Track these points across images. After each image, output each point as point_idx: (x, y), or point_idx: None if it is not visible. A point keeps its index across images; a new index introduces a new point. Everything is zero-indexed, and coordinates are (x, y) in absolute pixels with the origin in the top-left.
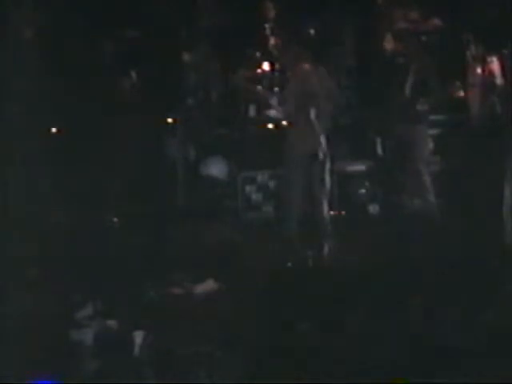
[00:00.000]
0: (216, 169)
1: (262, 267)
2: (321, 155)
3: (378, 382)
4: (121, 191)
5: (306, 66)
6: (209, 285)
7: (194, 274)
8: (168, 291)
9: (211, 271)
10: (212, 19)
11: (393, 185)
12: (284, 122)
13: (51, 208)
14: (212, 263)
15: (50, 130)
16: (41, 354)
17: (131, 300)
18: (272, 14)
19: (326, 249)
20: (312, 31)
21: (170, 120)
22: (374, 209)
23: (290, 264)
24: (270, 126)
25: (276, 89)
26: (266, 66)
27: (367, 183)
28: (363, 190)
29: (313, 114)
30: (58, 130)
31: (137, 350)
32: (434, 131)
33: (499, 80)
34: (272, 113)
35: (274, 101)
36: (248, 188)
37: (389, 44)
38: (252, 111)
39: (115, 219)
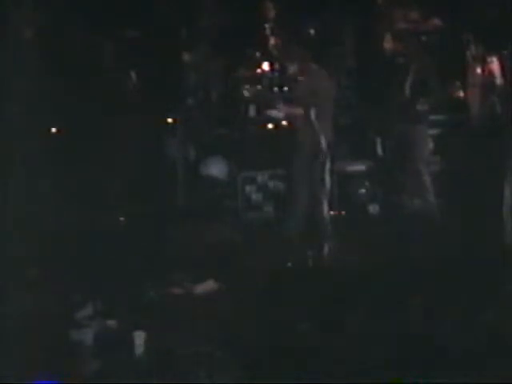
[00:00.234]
0: (216, 169)
1: (261, 267)
2: (321, 155)
3: (378, 381)
4: (121, 191)
5: (307, 66)
6: (209, 285)
7: (193, 274)
8: (168, 291)
9: (211, 271)
10: (212, 19)
11: (393, 185)
12: (284, 122)
13: (51, 208)
14: (212, 263)
15: (49, 130)
16: (41, 354)
17: (131, 300)
18: (272, 14)
19: (325, 249)
20: (312, 31)
21: (170, 120)
22: (373, 209)
23: (289, 264)
24: (270, 125)
25: (276, 89)
26: (265, 65)
27: (367, 183)
28: (363, 190)
29: (313, 114)
30: (58, 130)
31: (137, 350)
32: (433, 131)
33: (499, 80)
34: (272, 113)
35: (274, 101)
36: (248, 188)
37: (389, 44)
38: (252, 111)
39: (115, 219)
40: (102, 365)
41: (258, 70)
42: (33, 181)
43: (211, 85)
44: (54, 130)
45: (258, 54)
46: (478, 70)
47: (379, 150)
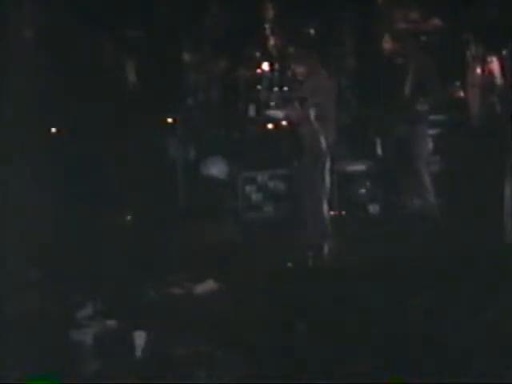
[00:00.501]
0: (216, 169)
1: (261, 267)
2: (321, 155)
3: (378, 381)
4: (121, 191)
5: (307, 67)
6: (209, 285)
7: (193, 274)
8: (168, 291)
9: (211, 271)
10: (212, 19)
11: (393, 185)
12: (284, 122)
13: (50, 208)
14: (212, 263)
15: (49, 130)
16: (41, 354)
17: (131, 300)
18: (272, 14)
19: (326, 249)
20: (312, 31)
21: (170, 120)
22: (373, 209)
23: (289, 264)
24: (270, 126)
25: (276, 89)
26: (265, 66)
27: (367, 183)
28: (363, 190)
29: (313, 114)
30: (58, 130)
31: (137, 350)
32: (434, 131)
33: (499, 80)
34: (272, 113)
35: (274, 101)
36: (248, 188)
37: (389, 44)
38: (252, 111)
39: (115, 219)
40: (102, 365)
41: (258, 70)
42: (33, 181)
43: (211, 85)
44: (53, 129)
45: (257, 54)
46: (478, 70)
47: (379, 150)
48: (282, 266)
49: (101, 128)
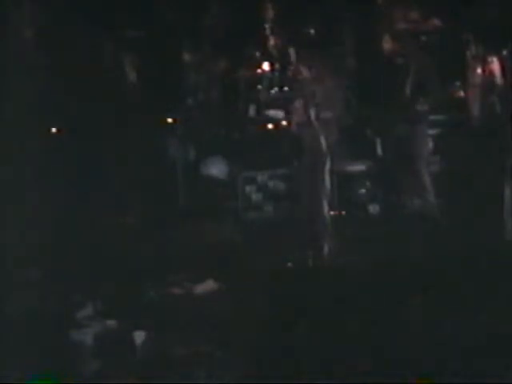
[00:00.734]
0: (216, 169)
1: (261, 267)
2: (321, 155)
3: (377, 381)
4: (121, 191)
5: (308, 67)
6: (209, 285)
7: (193, 274)
8: (168, 291)
9: (211, 271)
10: (212, 19)
11: (393, 185)
12: (284, 122)
13: (50, 208)
14: (212, 263)
15: (49, 130)
16: (41, 354)
17: (131, 300)
18: (272, 14)
19: (325, 249)
20: (312, 31)
21: (170, 120)
22: (373, 209)
23: (289, 264)
24: (270, 126)
25: (276, 89)
26: (265, 65)
27: (367, 183)
28: (363, 190)
29: (313, 114)
30: (58, 130)
31: (137, 349)
32: (434, 131)
33: (499, 80)
34: (272, 113)
35: (274, 101)
36: (248, 188)
37: (389, 44)
38: (252, 111)
39: (115, 219)
40: (102, 365)
41: (258, 70)
42: (32, 180)
43: (211, 85)
44: (53, 129)
45: (257, 54)
46: (478, 70)
47: (379, 150)
48: (282, 266)
49: (101, 128)
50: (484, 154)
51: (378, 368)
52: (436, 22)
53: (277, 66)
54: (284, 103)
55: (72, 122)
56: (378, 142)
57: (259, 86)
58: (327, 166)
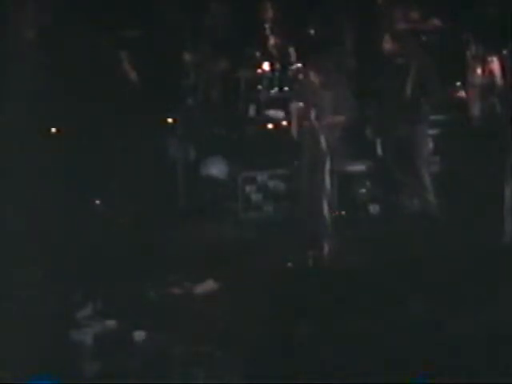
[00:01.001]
0: (216, 169)
1: (262, 267)
2: (321, 155)
3: (378, 382)
4: (121, 191)
5: (308, 67)
6: (209, 285)
7: (193, 274)
8: (168, 291)
9: (211, 271)
10: (212, 19)
11: (393, 185)
12: (284, 122)
13: (50, 207)
14: (212, 263)
15: (49, 130)
16: (41, 354)
17: (131, 300)
18: (272, 14)
19: (326, 249)
20: (312, 31)
21: (170, 120)
22: (373, 209)
23: (289, 264)
24: (270, 126)
25: (276, 89)
26: (265, 65)
27: (367, 183)
28: (363, 190)
29: (313, 114)
30: (58, 130)
31: (137, 350)
32: (433, 131)
33: (499, 80)
34: (272, 113)
35: (275, 101)
36: (248, 188)
37: (389, 44)
38: (252, 111)
39: (115, 219)
40: (102, 365)
41: (258, 70)
42: (32, 180)
43: (211, 85)
44: (53, 130)
45: (257, 54)
46: (478, 70)
47: (379, 150)
48: (281, 266)
49: (101, 128)
50: (484, 154)
51: (378, 368)
52: (436, 21)
53: (277, 66)
54: (284, 103)
55: (72, 121)
56: (378, 141)
57: (259, 86)
58: (327, 166)
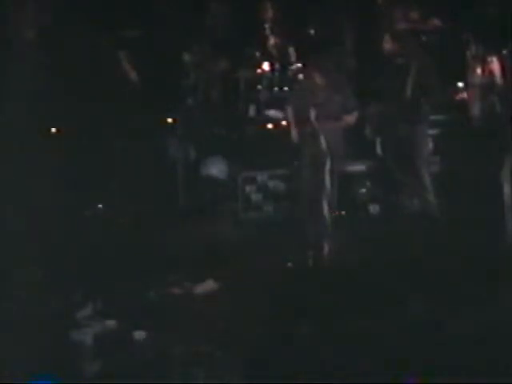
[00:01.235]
0: (216, 169)
1: (261, 267)
2: (321, 155)
3: (378, 381)
4: (121, 191)
5: (308, 67)
6: (209, 285)
7: (193, 274)
8: (168, 291)
9: (211, 271)
10: (212, 19)
11: (393, 185)
12: (284, 122)
13: (50, 208)
14: (212, 263)
15: (49, 130)
16: (41, 354)
17: (131, 300)
18: (272, 14)
19: (326, 249)
20: (312, 31)
21: (170, 120)
22: (374, 209)
23: (289, 264)
24: (270, 126)
25: (276, 89)
26: (265, 65)
27: (367, 183)
28: (363, 190)
29: (313, 114)
30: (58, 130)
31: (137, 350)
32: (434, 131)
33: (499, 80)
34: (272, 113)
35: (274, 101)
36: (248, 188)
37: (389, 44)
38: (252, 111)
39: (115, 219)
40: (102, 365)
41: (258, 70)
42: (32, 180)
43: (211, 85)
44: (53, 130)
45: (257, 54)
46: (478, 70)
47: (379, 150)
48: (282, 266)
49: (101, 128)
50: (484, 154)
51: (378, 368)
52: (436, 21)
53: (277, 66)
54: (284, 103)
55: (72, 121)
56: (378, 141)
57: (259, 86)
58: (327, 166)
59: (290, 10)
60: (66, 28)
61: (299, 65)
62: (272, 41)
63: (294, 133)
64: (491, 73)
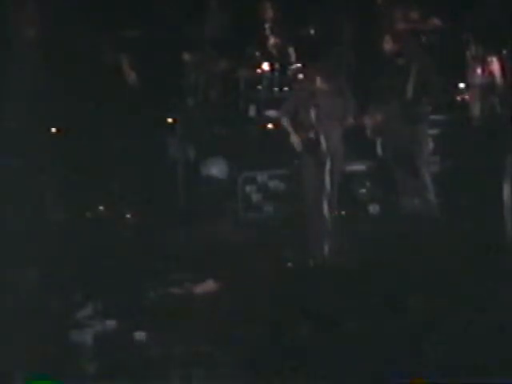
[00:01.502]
0: (216, 169)
1: (262, 267)
2: (321, 155)
3: (378, 382)
4: (121, 191)
5: (308, 66)
6: (209, 285)
7: (193, 274)
8: (168, 291)
9: (211, 271)
10: (212, 19)
11: (393, 185)
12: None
13: (51, 208)
14: (212, 263)
15: (49, 130)
16: (41, 354)
17: (131, 300)
18: (272, 14)
19: (326, 249)
20: (312, 31)
21: (170, 120)
22: (373, 209)
23: (289, 264)
24: (270, 126)
25: (276, 89)
26: (265, 66)
27: (367, 183)
28: (363, 190)
29: (313, 114)
30: (58, 130)
31: (137, 350)
32: (434, 131)
33: (499, 80)
34: (272, 113)
35: (275, 101)
36: (248, 188)
37: (389, 44)
38: (252, 111)
39: (115, 219)
40: (102, 365)
41: (258, 70)
42: (33, 180)
43: (211, 85)
44: (53, 129)
45: (257, 54)
46: (478, 70)
47: (379, 150)
48: (282, 266)
49: (101, 128)
50: (484, 154)
51: (378, 368)
52: (436, 21)
53: (277, 66)
54: (284, 103)
55: (72, 121)
56: (378, 141)
57: (259, 86)
58: (327, 166)
59: (289, 10)
60: (66, 28)
61: (299, 65)
62: (272, 41)
63: (294, 133)
64: (491, 73)
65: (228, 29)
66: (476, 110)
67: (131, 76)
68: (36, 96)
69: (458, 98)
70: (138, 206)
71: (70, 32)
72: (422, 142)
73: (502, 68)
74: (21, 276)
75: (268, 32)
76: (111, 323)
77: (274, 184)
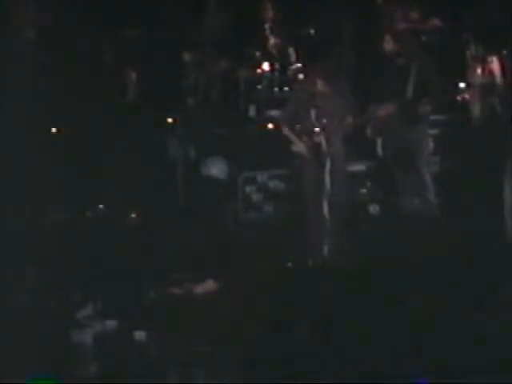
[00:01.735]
0: (216, 169)
1: (262, 267)
2: (321, 155)
3: (378, 382)
4: (121, 191)
5: (308, 67)
6: (209, 285)
7: (193, 274)
8: (168, 291)
9: (211, 271)
10: (212, 19)
11: (393, 185)
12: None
13: (51, 208)
14: (212, 263)
15: (50, 129)
16: (41, 354)
17: (131, 300)
18: (272, 14)
19: (325, 249)
20: (312, 31)
21: (170, 120)
22: (373, 209)
23: (289, 264)
24: (270, 126)
25: (276, 89)
26: (265, 66)
27: (367, 183)
28: (363, 190)
29: (313, 114)
30: (58, 130)
31: (137, 349)
32: (434, 131)
33: (499, 80)
34: (272, 113)
35: (275, 101)
36: (248, 188)
37: (389, 44)
38: (252, 111)
39: (115, 219)
40: (102, 365)
41: (258, 70)
42: (33, 180)
43: (211, 85)
44: (53, 129)
45: (257, 54)
46: (478, 70)
47: (379, 150)
48: (282, 266)
49: (101, 128)
50: (484, 154)
51: (378, 368)
52: (436, 21)
53: (277, 66)
54: (284, 103)
55: (72, 121)
56: (378, 141)
57: (259, 86)
58: (327, 166)
59: (289, 10)
60: (66, 28)
61: (299, 65)
62: (272, 41)
63: (294, 133)
64: (491, 73)
65: (228, 29)
66: (476, 110)
67: (131, 76)
68: (36, 96)
69: (458, 98)
70: (137, 205)
71: (69, 32)
72: (422, 142)
73: (502, 68)
74: (21, 276)
75: (268, 32)
76: (111, 323)
77: (273, 184)
